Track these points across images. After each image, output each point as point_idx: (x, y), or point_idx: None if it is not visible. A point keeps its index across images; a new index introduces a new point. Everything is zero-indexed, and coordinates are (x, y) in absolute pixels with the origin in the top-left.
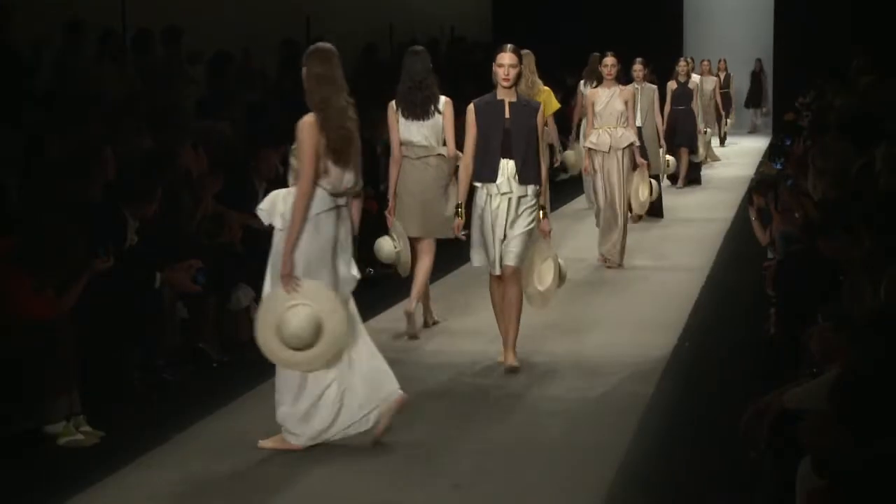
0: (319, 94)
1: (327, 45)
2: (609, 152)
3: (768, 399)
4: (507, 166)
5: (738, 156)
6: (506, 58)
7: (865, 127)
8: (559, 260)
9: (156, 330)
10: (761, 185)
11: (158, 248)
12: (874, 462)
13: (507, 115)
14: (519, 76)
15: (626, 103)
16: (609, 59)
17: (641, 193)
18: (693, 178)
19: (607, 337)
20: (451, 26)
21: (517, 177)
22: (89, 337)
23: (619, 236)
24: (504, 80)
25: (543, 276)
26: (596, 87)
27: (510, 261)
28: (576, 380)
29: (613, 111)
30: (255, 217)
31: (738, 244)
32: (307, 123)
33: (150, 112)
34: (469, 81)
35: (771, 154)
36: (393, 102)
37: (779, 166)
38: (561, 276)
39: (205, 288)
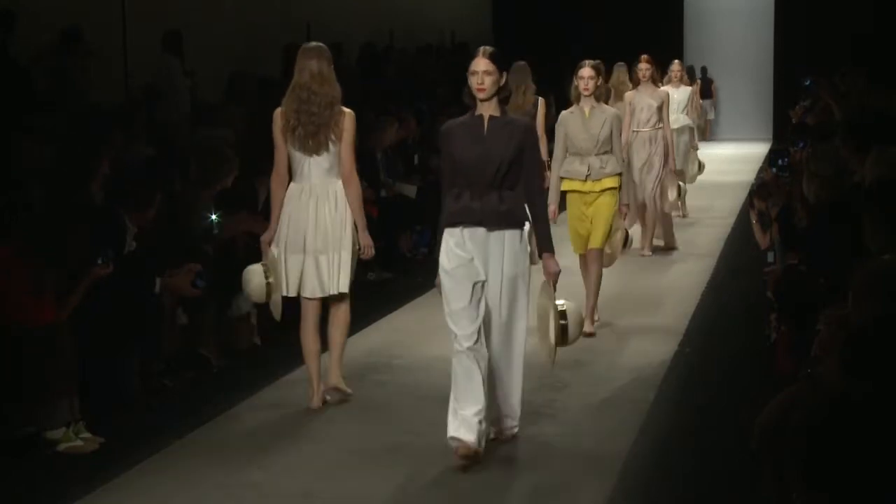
0: None
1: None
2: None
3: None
4: None
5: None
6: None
7: (863, 133)
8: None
9: (155, 335)
10: (762, 189)
11: (158, 253)
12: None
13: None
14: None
15: None
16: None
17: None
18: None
19: (608, 342)
20: (451, 31)
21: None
22: (89, 342)
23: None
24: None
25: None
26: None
27: None
28: (577, 385)
29: None
30: (256, 222)
31: (740, 246)
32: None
33: (150, 118)
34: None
35: (771, 159)
36: None
37: (774, 170)
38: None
39: (205, 293)
